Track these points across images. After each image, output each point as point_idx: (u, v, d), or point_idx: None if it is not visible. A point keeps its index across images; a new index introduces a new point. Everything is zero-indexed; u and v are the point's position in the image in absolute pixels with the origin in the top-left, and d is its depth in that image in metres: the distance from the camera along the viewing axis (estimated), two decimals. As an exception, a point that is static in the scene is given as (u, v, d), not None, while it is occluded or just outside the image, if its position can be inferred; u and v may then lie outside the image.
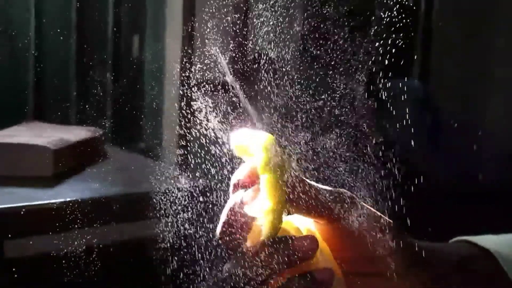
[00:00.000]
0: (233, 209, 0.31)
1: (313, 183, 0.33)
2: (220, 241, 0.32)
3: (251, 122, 0.37)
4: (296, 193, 0.31)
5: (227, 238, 0.31)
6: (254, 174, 0.32)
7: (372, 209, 0.35)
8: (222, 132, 0.38)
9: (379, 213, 0.35)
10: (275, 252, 0.30)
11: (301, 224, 0.34)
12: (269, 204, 0.30)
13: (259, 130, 0.34)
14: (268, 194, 0.30)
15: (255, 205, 0.31)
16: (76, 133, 0.85)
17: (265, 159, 0.30)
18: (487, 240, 0.38)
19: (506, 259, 0.36)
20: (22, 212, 0.63)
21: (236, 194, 0.32)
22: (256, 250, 0.32)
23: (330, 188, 0.33)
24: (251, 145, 0.31)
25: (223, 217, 0.32)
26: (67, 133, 0.83)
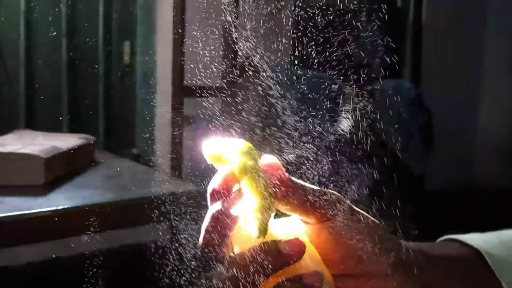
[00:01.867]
0: (213, 219, 0.31)
1: (301, 181, 0.33)
2: (203, 252, 0.32)
3: (224, 131, 0.37)
4: (284, 190, 0.32)
5: (210, 248, 0.31)
6: (229, 180, 0.32)
7: (360, 210, 0.35)
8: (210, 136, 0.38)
9: (366, 214, 0.36)
10: (262, 255, 0.31)
11: (290, 229, 0.34)
12: (255, 204, 0.30)
13: (231, 138, 0.33)
14: (254, 194, 0.30)
15: (240, 208, 0.31)
16: (67, 141, 0.84)
17: (243, 162, 0.31)
18: (475, 239, 0.38)
19: (494, 257, 0.37)
20: (14, 221, 0.62)
21: (215, 204, 0.32)
22: (243, 255, 0.32)
23: (318, 188, 0.34)
24: (227, 152, 0.32)
25: (203, 228, 0.32)
26: (59, 140, 0.83)
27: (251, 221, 0.31)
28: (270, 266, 0.31)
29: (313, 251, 0.33)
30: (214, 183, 0.32)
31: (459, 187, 1.68)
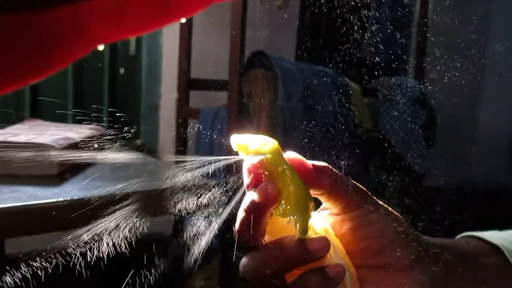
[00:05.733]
0: (250, 208, 0.32)
1: (324, 164, 0.35)
2: (238, 238, 0.33)
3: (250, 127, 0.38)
4: (312, 178, 0.33)
5: (246, 235, 0.32)
6: (258, 176, 0.32)
7: (383, 203, 0.36)
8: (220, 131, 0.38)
9: (388, 207, 0.37)
10: (290, 251, 0.32)
11: (316, 223, 0.35)
12: (294, 206, 0.31)
13: (261, 135, 0.34)
14: (293, 197, 0.31)
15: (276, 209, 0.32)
16: (78, 132, 0.85)
17: (279, 162, 0.31)
18: (494, 236, 0.39)
19: None
20: (28, 211, 0.63)
21: (250, 193, 0.33)
22: (270, 246, 0.33)
23: (343, 176, 0.35)
24: (255, 145, 0.32)
25: (240, 216, 0.33)
26: (70, 131, 0.83)
27: (287, 218, 0.32)
28: (296, 261, 0.32)
29: (337, 244, 0.35)
30: (246, 177, 0.33)
31: (460, 185, 1.70)
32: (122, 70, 1.38)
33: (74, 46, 0.19)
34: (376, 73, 1.56)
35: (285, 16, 1.52)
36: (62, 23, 0.18)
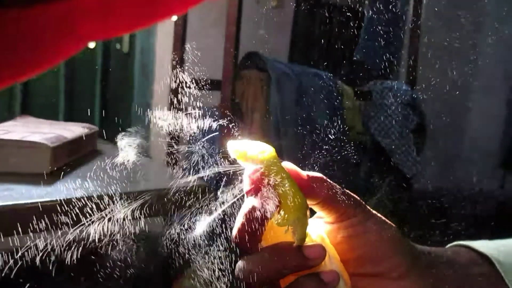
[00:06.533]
0: (249, 213, 0.32)
1: (319, 174, 0.35)
2: (236, 243, 0.33)
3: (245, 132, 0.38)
4: (308, 189, 0.33)
5: (243, 240, 0.33)
6: (259, 184, 0.33)
7: (376, 212, 0.37)
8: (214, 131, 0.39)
9: (382, 216, 0.37)
10: (286, 257, 0.32)
11: (313, 230, 0.35)
12: (292, 216, 0.31)
13: (259, 141, 0.34)
14: (291, 206, 0.31)
15: (274, 215, 0.32)
16: (71, 130, 0.84)
17: (278, 172, 0.32)
18: (485, 246, 0.40)
19: (503, 264, 0.38)
20: (26, 209, 0.63)
21: (250, 199, 0.33)
22: (267, 251, 0.33)
23: (337, 186, 0.35)
24: (253, 153, 0.32)
25: (239, 221, 0.33)
26: (63, 129, 0.82)
27: (284, 225, 0.32)
28: (292, 266, 0.32)
29: (332, 251, 0.35)
30: (247, 183, 0.33)
31: (448, 190, 1.72)
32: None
33: (64, 44, 0.19)
34: (369, 76, 1.57)
35: (280, 17, 1.52)
36: (52, 20, 0.18)
